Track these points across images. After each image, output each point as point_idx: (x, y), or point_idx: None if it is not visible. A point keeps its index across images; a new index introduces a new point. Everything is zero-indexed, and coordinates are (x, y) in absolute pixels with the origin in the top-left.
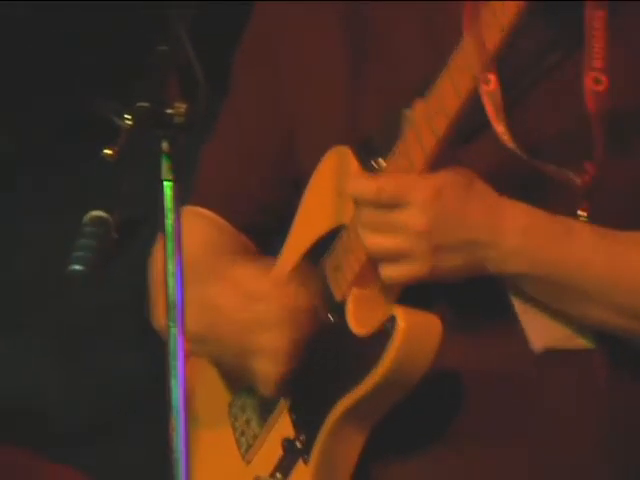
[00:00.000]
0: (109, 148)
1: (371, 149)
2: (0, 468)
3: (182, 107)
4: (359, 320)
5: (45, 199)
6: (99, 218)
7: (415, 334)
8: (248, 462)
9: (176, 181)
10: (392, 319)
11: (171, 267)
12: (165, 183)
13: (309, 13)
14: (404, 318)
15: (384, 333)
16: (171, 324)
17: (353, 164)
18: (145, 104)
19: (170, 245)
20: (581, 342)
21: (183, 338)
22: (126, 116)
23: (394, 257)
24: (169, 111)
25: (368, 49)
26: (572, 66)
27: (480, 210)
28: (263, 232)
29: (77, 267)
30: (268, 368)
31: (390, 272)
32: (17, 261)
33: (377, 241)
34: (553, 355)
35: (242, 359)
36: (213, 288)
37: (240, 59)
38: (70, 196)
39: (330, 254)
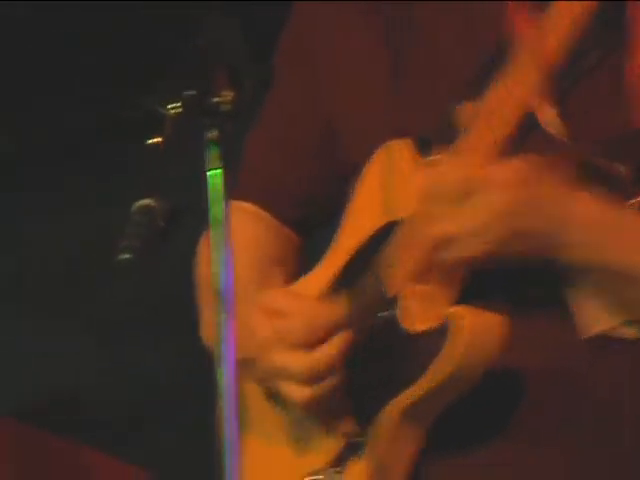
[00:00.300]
0: (156, 137)
1: (426, 146)
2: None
3: (229, 95)
4: (415, 317)
5: (92, 189)
6: (146, 207)
7: (477, 333)
8: (301, 455)
9: (224, 169)
10: (453, 316)
11: (218, 255)
12: (212, 172)
13: (347, 11)
14: (466, 316)
15: (444, 330)
16: (220, 311)
17: (410, 157)
18: (192, 92)
19: (217, 234)
20: (632, 332)
21: (232, 324)
22: (172, 105)
23: (464, 237)
24: (216, 99)
25: (408, 47)
26: (615, 62)
27: (554, 199)
28: (307, 225)
29: (126, 256)
30: (292, 392)
31: (458, 251)
32: (64, 251)
33: (444, 226)
34: (604, 344)
35: (268, 380)
36: (250, 312)
37: (280, 55)
38: (117, 186)
39: (383, 250)
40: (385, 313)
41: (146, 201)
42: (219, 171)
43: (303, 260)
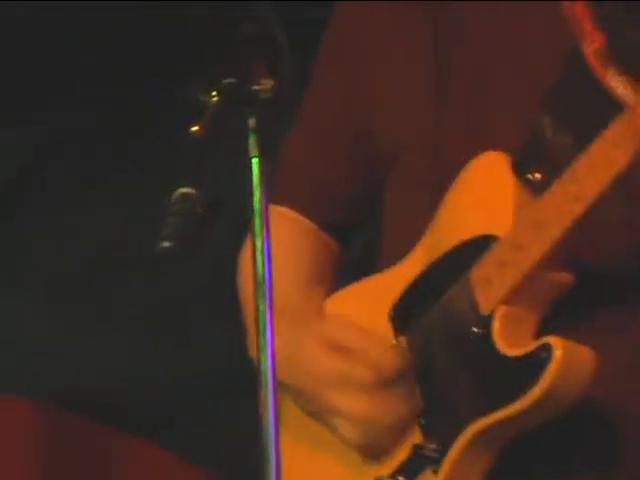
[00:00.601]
0: (196, 125)
1: (523, 160)
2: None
3: (268, 83)
4: (507, 339)
5: (133, 179)
6: (186, 195)
7: (570, 366)
8: (366, 462)
9: (262, 158)
10: (548, 347)
11: (259, 244)
12: (252, 160)
13: (392, 13)
14: (561, 347)
15: (538, 360)
16: (260, 301)
17: (511, 174)
18: (231, 80)
19: (258, 222)
20: None
21: (272, 314)
22: (212, 93)
23: None
24: (255, 87)
25: (454, 58)
26: None
27: None
28: (344, 229)
29: (166, 244)
30: (347, 432)
31: None
32: (105, 242)
33: None
34: None
35: (322, 415)
36: (304, 340)
37: (321, 55)
38: (158, 174)
39: (479, 265)
40: (476, 330)
41: (186, 189)
42: (256, 159)
43: (341, 268)
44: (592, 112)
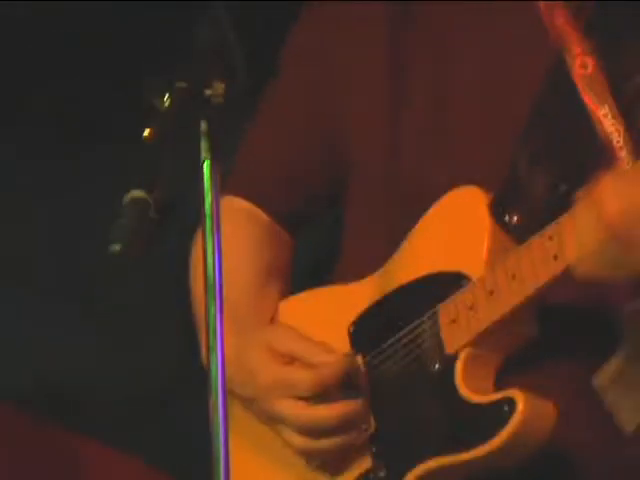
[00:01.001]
0: (147, 129)
1: (501, 199)
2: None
3: (220, 87)
4: (469, 382)
5: (86, 181)
6: (138, 199)
7: (531, 421)
8: (316, 474)
9: (215, 161)
10: (511, 400)
11: (210, 247)
12: (204, 163)
13: (361, 13)
14: (523, 402)
15: (500, 411)
16: (210, 303)
17: (486, 213)
18: (183, 84)
19: (209, 225)
20: None
21: (222, 316)
22: (164, 97)
23: None
24: (207, 92)
25: (416, 66)
26: None
27: None
28: (298, 222)
29: (116, 247)
30: (290, 438)
31: None
32: (57, 243)
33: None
34: None
35: (270, 423)
36: (250, 351)
37: (287, 54)
38: (109, 178)
39: (449, 302)
40: (438, 367)
41: (138, 193)
42: (208, 163)
43: (293, 259)
44: (576, 148)
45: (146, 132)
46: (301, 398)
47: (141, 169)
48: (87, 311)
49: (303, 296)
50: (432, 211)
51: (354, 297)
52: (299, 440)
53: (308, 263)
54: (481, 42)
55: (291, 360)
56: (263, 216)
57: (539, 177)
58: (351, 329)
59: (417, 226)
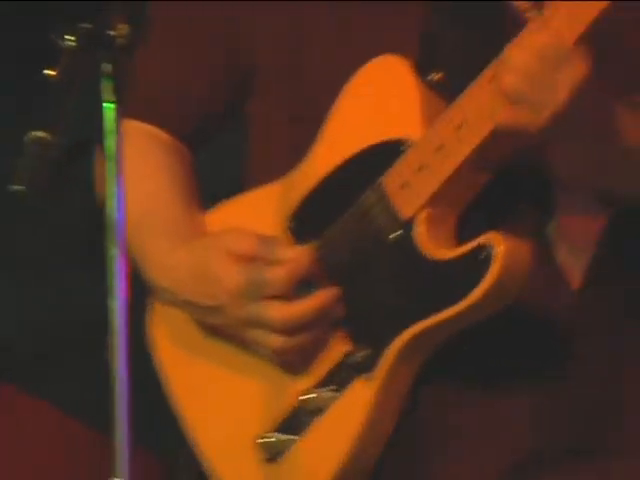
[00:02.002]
0: (51, 69)
1: (422, 60)
2: None
3: (124, 29)
4: (433, 243)
5: None
6: (40, 138)
7: (515, 258)
8: (287, 377)
9: (118, 103)
10: (490, 242)
11: (112, 189)
12: (106, 105)
13: None
14: (503, 242)
15: (477, 260)
16: (111, 245)
17: (413, 76)
18: (87, 25)
19: (111, 167)
20: None
21: (125, 259)
22: (68, 37)
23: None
24: (111, 33)
25: None
26: None
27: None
28: (201, 139)
29: (17, 187)
30: (270, 342)
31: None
32: None
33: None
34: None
35: (237, 330)
36: (208, 260)
37: None
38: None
39: (394, 169)
40: (397, 235)
41: (39, 133)
42: (113, 105)
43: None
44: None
45: (50, 72)
46: (275, 297)
47: (44, 110)
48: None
49: (228, 205)
50: (351, 86)
51: (282, 194)
52: (277, 340)
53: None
54: None
55: (252, 260)
56: (163, 135)
57: (451, 32)
58: (291, 224)
59: (337, 104)
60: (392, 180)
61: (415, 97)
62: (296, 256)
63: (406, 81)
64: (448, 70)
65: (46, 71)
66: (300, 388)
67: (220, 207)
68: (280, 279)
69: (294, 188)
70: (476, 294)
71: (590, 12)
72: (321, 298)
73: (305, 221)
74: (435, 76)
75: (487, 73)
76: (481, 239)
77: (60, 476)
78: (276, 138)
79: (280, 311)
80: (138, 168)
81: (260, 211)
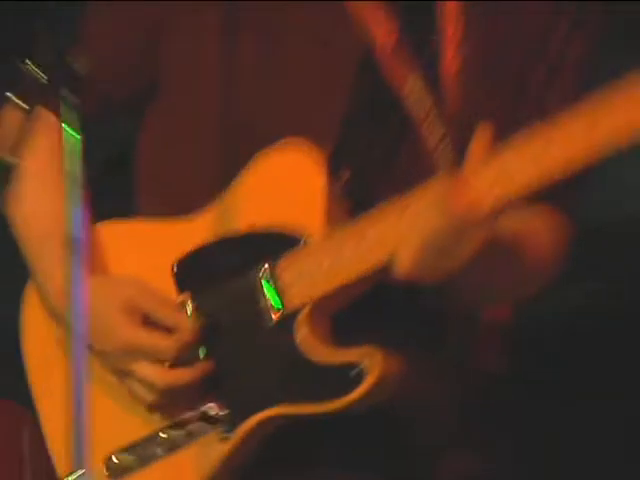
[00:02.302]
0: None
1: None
2: None
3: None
4: (310, 341)
5: None
6: None
7: (382, 379)
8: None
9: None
10: (369, 355)
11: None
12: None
13: None
14: (379, 355)
15: (349, 374)
16: (70, 261)
17: (319, 174)
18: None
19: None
20: None
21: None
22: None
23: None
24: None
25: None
26: None
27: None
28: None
29: None
30: (144, 395)
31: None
32: None
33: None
34: None
35: (121, 374)
36: (106, 308)
37: None
38: None
39: (283, 263)
40: (279, 320)
41: None
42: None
43: None
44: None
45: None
46: (160, 361)
47: None
48: None
49: (121, 225)
50: (266, 160)
51: (176, 236)
52: (152, 397)
53: None
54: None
55: (147, 319)
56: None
57: (367, 134)
58: (175, 268)
59: (250, 170)
60: (287, 267)
61: (322, 197)
62: (188, 327)
63: (315, 177)
64: (355, 170)
65: None
66: (160, 420)
67: (114, 224)
68: (169, 349)
69: (187, 235)
70: (340, 403)
71: None
72: (198, 371)
73: (190, 272)
74: (344, 175)
75: (403, 202)
76: (355, 355)
77: None
78: (162, 150)
79: (159, 376)
80: (40, 182)
81: (153, 244)
